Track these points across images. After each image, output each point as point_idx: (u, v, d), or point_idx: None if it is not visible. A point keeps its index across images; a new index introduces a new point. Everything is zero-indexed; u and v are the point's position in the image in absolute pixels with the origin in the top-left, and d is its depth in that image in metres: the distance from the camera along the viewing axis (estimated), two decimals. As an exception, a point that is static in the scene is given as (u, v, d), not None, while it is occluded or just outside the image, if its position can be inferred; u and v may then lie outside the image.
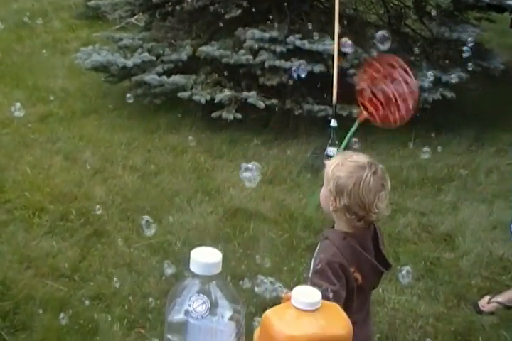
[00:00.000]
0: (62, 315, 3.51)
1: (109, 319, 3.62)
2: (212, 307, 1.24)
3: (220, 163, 5.95)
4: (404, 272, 4.08)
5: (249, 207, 5.05)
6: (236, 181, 5.57)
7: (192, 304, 1.24)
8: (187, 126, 6.75)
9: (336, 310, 1.28)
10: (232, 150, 6.25)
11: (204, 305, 1.24)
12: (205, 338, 1.24)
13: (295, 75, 6.03)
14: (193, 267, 1.26)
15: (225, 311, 1.26)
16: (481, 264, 4.40)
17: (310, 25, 6.56)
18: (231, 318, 1.26)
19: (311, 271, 2.38)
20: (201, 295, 1.25)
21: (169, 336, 1.26)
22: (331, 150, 5.83)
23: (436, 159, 6.19)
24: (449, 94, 6.92)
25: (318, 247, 2.46)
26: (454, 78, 6.93)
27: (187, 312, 1.24)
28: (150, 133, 6.63)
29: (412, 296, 4.00)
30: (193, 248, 4.23)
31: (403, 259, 4.39)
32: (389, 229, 4.80)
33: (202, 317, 1.23)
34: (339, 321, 1.22)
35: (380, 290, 3.99)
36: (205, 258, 1.27)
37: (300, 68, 5.98)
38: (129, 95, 6.24)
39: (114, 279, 3.95)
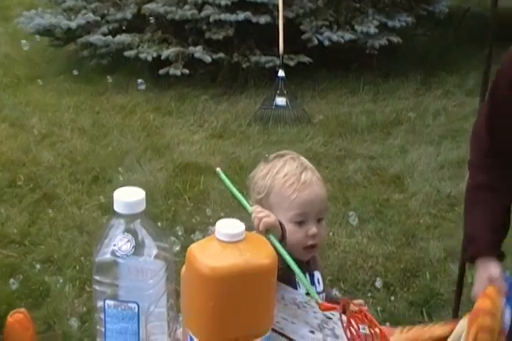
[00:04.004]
0: (12, 280, 3.49)
1: (61, 281, 3.61)
2: (139, 246, 1.24)
3: (170, 120, 5.93)
4: (353, 215, 4.16)
5: (199, 161, 5.04)
6: (186, 137, 5.56)
7: (117, 243, 1.24)
8: (135, 86, 6.69)
9: (260, 240, 1.28)
10: (181, 106, 6.23)
11: (129, 243, 1.24)
12: (136, 278, 1.24)
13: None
14: (117, 207, 1.25)
15: (152, 250, 1.25)
16: (429, 203, 4.46)
17: (253, -23, 6.49)
18: (158, 256, 1.26)
19: None
20: (126, 234, 1.25)
21: (97, 277, 1.25)
22: (279, 100, 5.85)
23: (385, 104, 6.22)
24: (395, 39, 6.93)
25: None
26: (399, 23, 6.94)
27: (113, 252, 1.23)
28: (98, 95, 6.57)
29: (362, 238, 4.04)
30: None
31: (353, 203, 4.44)
32: (338, 175, 4.85)
33: (127, 256, 1.23)
34: (263, 251, 1.22)
35: (331, 233, 4.03)
36: (128, 197, 1.26)
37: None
38: (140, 81, 6.14)
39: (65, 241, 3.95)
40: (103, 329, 1.26)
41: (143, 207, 1.26)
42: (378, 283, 3.52)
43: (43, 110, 6.12)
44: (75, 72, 6.45)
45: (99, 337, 1.28)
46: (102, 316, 1.25)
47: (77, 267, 3.80)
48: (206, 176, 4.79)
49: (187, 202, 4.46)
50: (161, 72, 6.55)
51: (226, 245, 1.19)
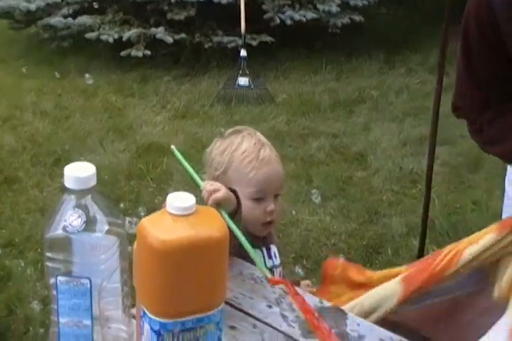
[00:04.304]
0: (-30, 267, 3.47)
1: (22, 264, 3.58)
2: (90, 221, 1.23)
3: (132, 102, 5.91)
4: (316, 193, 4.17)
5: (162, 142, 5.02)
6: (148, 118, 5.54)
7: (68, 219, 1.22)
8: (97, 68, 6.65)
9: (212, 213, 1.27)
10: (144, 87, 6.20)
11: (80, 218, 1.22)
12: (88, 253, 1.23)
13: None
14: (67, 182, 1.23)
15: (103, 225, 1.24)
16: (391, 180, 4.49)
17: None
18: (110, 232, 1.25)
19: None
20: (77, 209, 1.23)
21: (49, 254, 1.24)
22: (242, 80, 5.84)
23: (348, 83, 6.24)
24: (358, 18, 6.95)
25: None
26: (361, 2, 6.95)
27: (64, 228, 1.22)
28: (60, 77, 6.50)
29: (324, 216, 4.06)
30: (106, 187, 4.18)
31: (316, 181, 4.46)
32: (301, 153, 4.86)
33: (78, 232, 1.22)
34: (214, 224, 1.21)
35: (294, 211, 4.05)
36: (78, 172, 1.24)
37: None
38: (87, 75, 6.05)
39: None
40: (55, 307, 1.25)
41: (93, 182, 1.25)
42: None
43: (4, 93, 6.06)
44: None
45: (53, 315, 1.28)
46: (55, 293, 1.25)
47: (39, 250, 3.77)
48: (169, 157, 4.76)
49: (150, 183, 4.45)
50: (123, 53, 6.51)
51: (177, 218, 1.19)
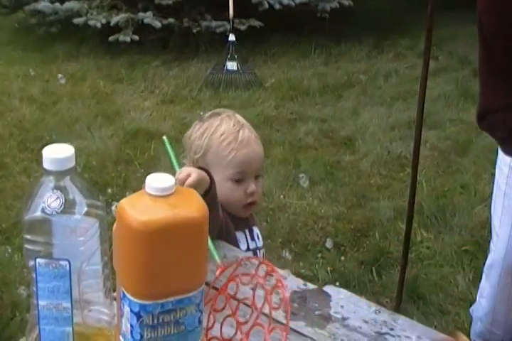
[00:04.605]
0: (-43, 253, 3.45)
1: (10, 250, 3.57)
2: (69, 203, 1.22)
3: (120, 87, 5.88)
4: (304, 177, 4.16)
5: (150, 127, 5.01)
6: (136, 103, 5.52)
7: (46, 200, 1.21)
8: (85, 53, 6.62)
9: (191, 194, 1.26)
10: (132, 73, 6.18)
11: (58, 200, 1.21)
12: (67, 235, 1.22)
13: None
14: (46, 164, 1.22)
15: (82, 207, 1.23)
16: (379, 164, 4.48)
17: None
18: (89, 214, 1.24)
19: None
20: (55, 191, 1.22)
21: (28, 236, 1.23)
22: (230, 64, 5.82)
23: (336, 67, 6.23)
24: (347, 2, 6.92)
25: None
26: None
27: (43, 210, 1.21)
28: (48, 63, 6.48)
29: (312, 200, 4.05)
30: (94, 172, 4.17)
31: (304, 165, 4.45)
32: (290, 138, 4.85)
33: (57, 213, 1.20)
34: (193, 205, 1.20)
35: (282, 196, 4.05)
36: (57, 153, 1.23)
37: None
38: (60, 75, 5.98)
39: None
40: (35, 289, 1.25)
41: (72, 163, 1.23)
42: (329, 244, 3.54)
43: (-9, 79, 6.02)
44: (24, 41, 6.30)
45: (32, 297, 1.27)
46: (34, 275, 1.24)
47: (26, 236, 3.76)
48: (157, 142, 4.76)
49: (138, 168, 4.44)
50: (111, 38, 6.47)
51: (156, 199, 1.17)
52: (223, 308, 1.42)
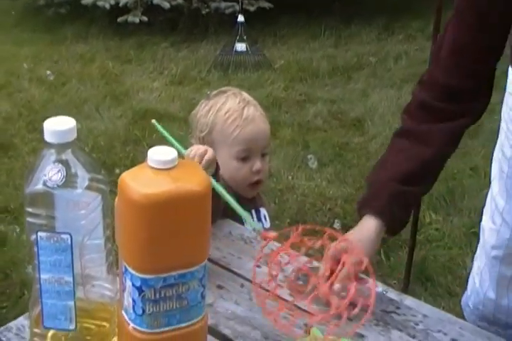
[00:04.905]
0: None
1: (18, 230, 3.58)
2: (70, 176, 1.20)
3: (129, 68, 5.87)
4: (312, 158, 4.15)
5: (159, 108, 5.00)
6: (145, 84, 5.51)
7: (47, 173, 1.20)
8: (94, 34, 6.60)
9: (194, 167, 1.25)
10: (141, 54, 6.16)
11: (60, 173, 1.20)
12: (68, 209, 1.21)
13: None
14: (47, 136, 1.21)
15: (84, 180, 1.22)
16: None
17: None
18: (90, 187, 1.23)
19: None
20: (57, 164, 1.21)
21: (30, 209, 1.22)
22: (239, 46, 5.79)
23: (346, 49, 6.19)
24: (356, -16, 6.87)
25: None
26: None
27: (44, 183, 1.20)
28: (57, 44, 6.47)
29: (321, 181, 4.04)
30: (102, 152, 4.16)
31: (313, 147, 4.43)
32: (298, 119, 4.83)
33: (58, 186, 1.19)
34: (196, 178, 1.19)
35: (290, 177, 4.03)
36: (58, 126, 1.21)
37: None
38: (48, 72, 5.94)
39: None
40: (37, 262, 1.24)
41: (73, 136, 1.22)
42: (337, 225, 3.53)
43: (0, 61, 6.00)
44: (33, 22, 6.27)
45: (34, 271, 1.26)
46: (36, 249, 1.23)
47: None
48: (166, 123, 4.74)
49: (146, 149, 4.38)
50: (120, 20, 6.45)
51: (158, 172, 1.16)
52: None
